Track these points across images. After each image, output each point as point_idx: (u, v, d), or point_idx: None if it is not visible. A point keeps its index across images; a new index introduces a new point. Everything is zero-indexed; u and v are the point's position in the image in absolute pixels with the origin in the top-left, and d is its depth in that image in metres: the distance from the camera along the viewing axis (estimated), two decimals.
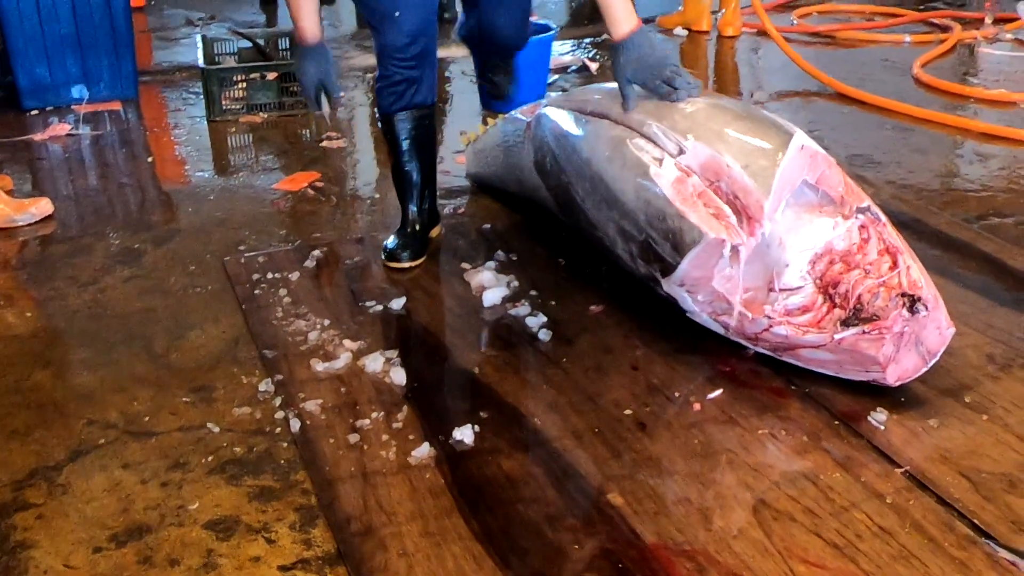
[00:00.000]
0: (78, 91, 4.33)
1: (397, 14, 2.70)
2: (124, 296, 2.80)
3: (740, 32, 5.24)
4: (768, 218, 2.30)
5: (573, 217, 2.83)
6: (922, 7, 5.68)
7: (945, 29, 5.13)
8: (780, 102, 4.31)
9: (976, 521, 1.86)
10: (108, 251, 3.07)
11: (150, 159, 3.88)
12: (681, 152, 2.42)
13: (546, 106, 2.97)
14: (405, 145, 2.85)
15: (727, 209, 2.33)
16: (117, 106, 4.35)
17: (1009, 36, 5.01)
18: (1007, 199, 3.26)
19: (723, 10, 5.24)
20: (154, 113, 4.38)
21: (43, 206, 3.27)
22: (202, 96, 4.26)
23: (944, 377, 2.28)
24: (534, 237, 3.03)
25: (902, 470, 2.01)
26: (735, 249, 2.28)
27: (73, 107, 4.28)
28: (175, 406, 2.30)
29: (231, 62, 4.48)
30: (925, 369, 2.21)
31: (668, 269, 2.39)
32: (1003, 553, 1.79)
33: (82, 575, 1.82)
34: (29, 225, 3.23)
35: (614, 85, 2.61)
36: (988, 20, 5.18)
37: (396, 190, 2.95)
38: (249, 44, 4.53)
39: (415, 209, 2.91)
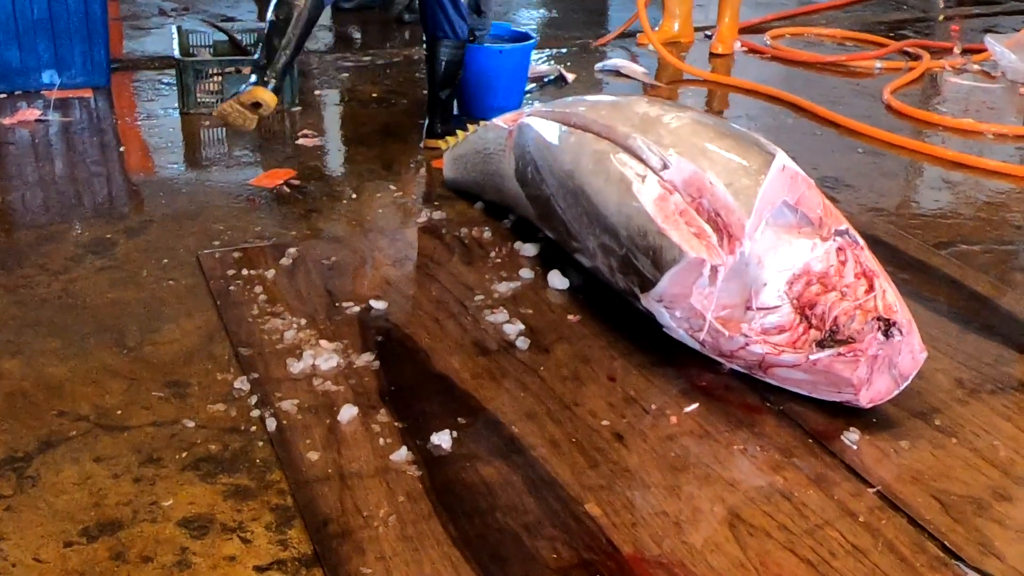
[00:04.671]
0: (49, 76, 4.26)
1: None
2: (95, 287, 2.76)
3: (732, 51, 5.28)
4: (748, 237, 2.33)
5: (553, 227, 2.84)
6: (892, 34, 5.78)
7: (915, 57, 5.23)
8: (751, 122, 4.35)
9: (946, 543, 1.90)
10: (78, 240, 3.03)
11: (121, 148, 3.83)
12: (665, 167, 2.45)
13: (529, 115, 2.98)
14: None
15: (708, 228, 2.36)
16: (88, 93, 4.28)
17: (976, 67, 5.11)
18: (975, 227, 3.33)
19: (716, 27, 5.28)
20: (126, 102, 4.32)
21: None
22: (175, 87, 4.21)
23: (915, 400, 2.32)
24: (511, 244, 3.03)
25: (874, 490, 2.04)
26: (714, 269, 2.30)
27: (43, 93, 4.21)
28: (148, 400, 2.27)
29: (206, 54, 4.44)
30: (897, 392, 2.26)
31: (647, 285, 2.41)
32: (972, 575, 1.82)
33: (52, 570, 1.80)
34: None
35: (597, 97, 2.63)
36: (956, 51, 5.29)
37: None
38: (224, 37, 4.49)
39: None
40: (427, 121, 3.82)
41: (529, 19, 6.04)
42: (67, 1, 4.21)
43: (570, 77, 4.76)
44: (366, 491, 1.99)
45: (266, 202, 3.35)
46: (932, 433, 2.23)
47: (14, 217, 3.19)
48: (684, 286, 2.33)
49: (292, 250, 2.94)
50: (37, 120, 3.97)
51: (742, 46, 5.33)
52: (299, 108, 4.20)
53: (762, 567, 1.83)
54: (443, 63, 3.69)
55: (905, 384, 2.26)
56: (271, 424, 2.18)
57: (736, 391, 2.36)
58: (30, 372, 2.36)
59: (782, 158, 2.39)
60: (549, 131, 2.82)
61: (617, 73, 4.88)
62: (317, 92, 4.49)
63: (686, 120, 2.57)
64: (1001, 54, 4.99)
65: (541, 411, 2.26)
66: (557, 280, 2.80)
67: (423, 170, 3.64)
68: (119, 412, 2.23)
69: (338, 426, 2.18)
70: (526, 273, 2.86)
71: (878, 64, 5.11)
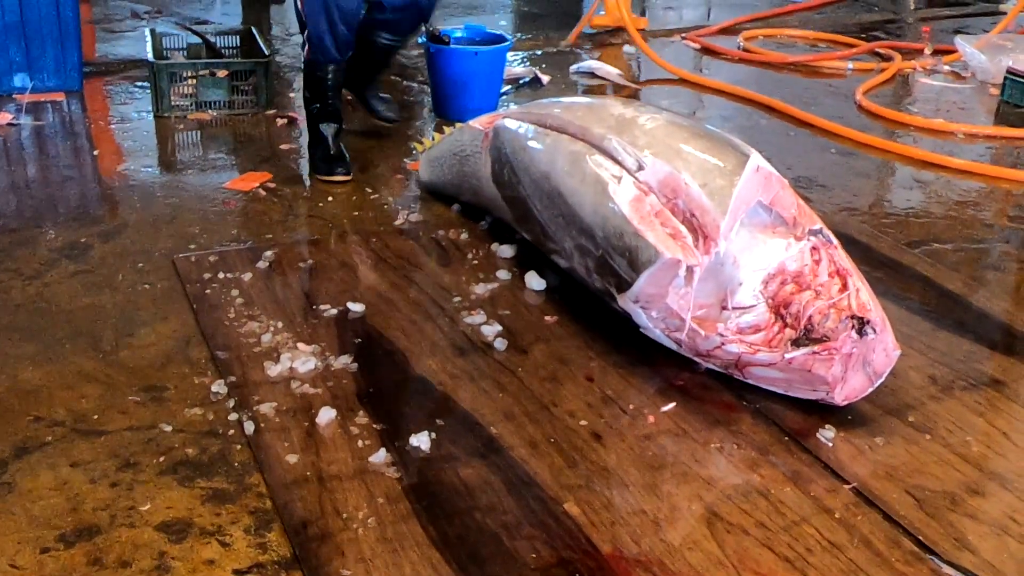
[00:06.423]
0: (20, 80, 4.23)
1: None
2: (70, 291, 2.74)
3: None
4: (724, 237, 2.34)
5: (530, 229, 2.85)
6: (864, 35, 5.83)
7: (887, 58, 5.28)
8: (725, 123, 4.38)
9: (921, 538, 1.92)
10: (52, 245, 3.01)
11: (95, 152, 3.81)
12: (640, 168, 2.46)
13: (504, 117, 2.99)
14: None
15: (684, 229, 2.37)
16: (61, 97, 4.26)
17: (946, 68, 5.16)
18: (946, 225, 3.37)
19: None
20: (99, 106, 4.29)
21: None
22: (149, 90, 4.19)
23: (889, 397, 2.34)
24: (488, 246, 3.04)
25: (850, 486, 2.06)
26: (690, 270, 2.32)
27: (15, 96, 4.18)
28: (125, 405, 2.26)
29: (180, 57, 4.42)
30: (871, 389, 2.28)
31: (623, 285, 2.42)
32: (947, 569, 1.85)
33: None
34: None
35: (573, 98, 2.64)
36: (927, 52, 5.34)
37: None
38: (198, 40, 4.48)
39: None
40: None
41: (504, 21, 6.06)
42: (39, 4, 4.18)
43: (545, 79, 4.77)
44: (345, 493, 1.99)
45: (242, 205, 3.34)
46: (906, 430, 2.25)
47: None
48: (660, 286, 2.34)
49: (268, 253, 2.93)
50: (9, 124, 3.94)
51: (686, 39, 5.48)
52: (274, 111, 4.19)
53: (740, 564, 1.84)
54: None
55: (879, 382, 2.28)
56: (249, 427, 2.17)
57: (713, 390, 2.38)
58: (4, 378, 2.34)
59: (756, 159, 2.41)
60: (524, 133, 2.83)
61: (592, 75, 4.90)
62: (292, 95, 4.48)
63: (661, 121, 2.59)
64: (971, 55, 5.05)
65: (519, 412, 2.27)
66: (534, 281, 2.81)
67: (399, 173, 3.64)
68: (95, 417, 2.21)
69: (316, 429, 2.18)
70: (503, 274, 2.87)
71: (850, 65, 5.16)
